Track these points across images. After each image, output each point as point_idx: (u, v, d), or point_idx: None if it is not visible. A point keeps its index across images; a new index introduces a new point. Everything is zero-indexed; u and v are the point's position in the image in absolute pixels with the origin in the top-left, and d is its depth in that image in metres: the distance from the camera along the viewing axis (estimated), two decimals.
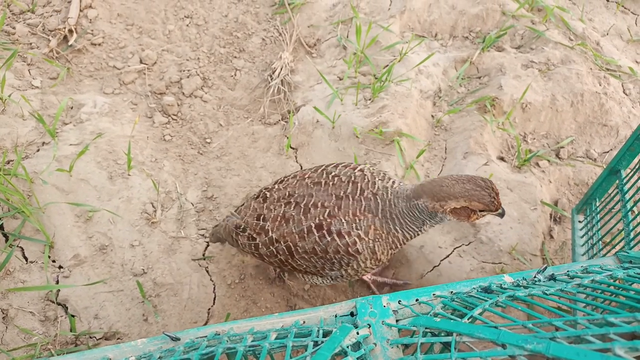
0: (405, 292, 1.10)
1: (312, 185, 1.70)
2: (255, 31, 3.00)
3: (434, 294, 1.10)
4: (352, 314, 1.06)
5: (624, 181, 1.87)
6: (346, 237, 1.59)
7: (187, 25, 3.02)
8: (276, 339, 0.94)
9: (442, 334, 0.92)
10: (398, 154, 2.31)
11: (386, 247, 1.64)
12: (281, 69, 2.76)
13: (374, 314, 1.03)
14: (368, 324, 1.01)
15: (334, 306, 1.07)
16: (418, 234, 1.67)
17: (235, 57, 2.90)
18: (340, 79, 2.70)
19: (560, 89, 2.55)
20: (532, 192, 2.28)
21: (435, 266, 2.09)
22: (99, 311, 1.93)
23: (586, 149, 2.49)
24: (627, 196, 1.83)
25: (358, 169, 1.72)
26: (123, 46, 2.86)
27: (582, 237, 2.07)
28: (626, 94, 2.63)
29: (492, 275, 1.12)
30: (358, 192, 1.63)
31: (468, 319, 0.95)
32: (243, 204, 1.92)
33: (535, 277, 1.12)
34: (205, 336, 0.97)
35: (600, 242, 1.94)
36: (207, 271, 2.11)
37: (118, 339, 1.89)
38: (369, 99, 2.57)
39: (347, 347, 0.90)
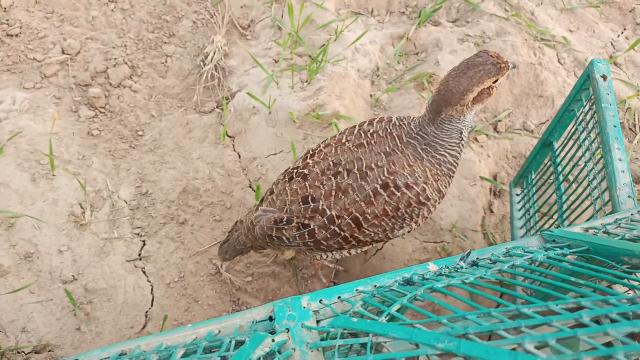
0: (328, 289, 1.06)
1: (355, 149, 1.61)
2: (186, 13, 2.85)
3: (356, 290, 1.06)
4: (270, 319, 1.01)
5: (557, 153, 1.89)
6: (414, 187, 1.54)
7: (112, 10, 2.84)
8: (183, 355, 0.88)
9: (360, 335, 0.89)
10: None
11: (446, 179, 1.61)
12: (214, 54, 2.64)
13: (292, 317, 0.99)
14: (287, 328, 0.97)
15: (251, 311, 1.02)
16: (462, 147, 1.62)
17: (165, 42, 2.75)
18: (276, 62, 2.61)
19: None
20: (471, 168, 2.29)
21: (378, 249, 2.07)
22: (26, 324, 1.82)
23: (523, 121, 2.51)
24: (559, 168, 1.84)
25: (386, 120, 1.66)
26: (43, 36, 2.67)
27: (519, 210, 2.09)
28: (561, 64, 2.66)
29: (420, 266, 1.09)
30: (398, 142, 1.58)
31: (385, 317, 0.92)
32: (271, 192, 1.73)
33: (458, 264, 1.10)
34: (108, 358, 0.91)
35: (536, 214, 1.97)
36: (144, 272, 2.02)
37: (49, 351, 1.79)
38: (306, 81, 2.49)
39: (259, 358, 0.86)
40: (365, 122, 1.70)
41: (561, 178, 1.82)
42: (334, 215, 1.57)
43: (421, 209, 1.59)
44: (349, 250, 1.73)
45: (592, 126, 1.66)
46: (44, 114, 2.37)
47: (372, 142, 1.61)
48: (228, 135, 2.44)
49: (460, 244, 2.09)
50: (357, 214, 1.55)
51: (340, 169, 1.59)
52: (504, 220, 2.24)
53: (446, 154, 1.58)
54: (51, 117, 2.36)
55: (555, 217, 1.86)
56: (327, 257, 1.77)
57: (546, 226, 1.86)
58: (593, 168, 1.59)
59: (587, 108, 1.69)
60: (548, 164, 1.95)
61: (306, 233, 1.62)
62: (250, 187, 2.28)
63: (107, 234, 2.05)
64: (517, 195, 2.17)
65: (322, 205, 1.58)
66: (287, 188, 1.66)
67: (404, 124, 1.62)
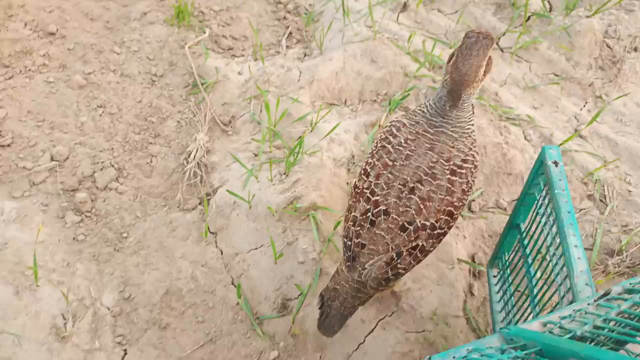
0: None
1: (406, 162, 1.73)
2: (171, 114, 3.01)
3: None
4: None
5: (524, 235, 1.94)
6: (469, 158, 1.74)
7: (100, 115, 3.00)
8: None
9: None
10: (313, 229, 2.32)
11: (475, 143, 1.82)
12: (196, 151, 2.76)
13: None
14: None
15: None
16: (472, 121, 1.82)
17: (151, 142, 2.88)
18: (256, 155, 2.72)
19: None
20: (448, 251, 2.33)
21: (360, 343, 2.07)
22: None
23: (496, 199, 2.58)
24: (528, 251, 1.89)
25: (401, 125, 1.82)
26: (34, 144, 2.80)
27: (497, 292, 2.11)
28: (527, 140, 2.77)
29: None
30: (430, 135, 1.76)
31: None
32: (359, 249, 1.74)
33: None
34: None
35: (512, 297, 1.99)
36: None
37: None
38: (284, 174, 2.59)
39: None
40: (388, 137, 1.82)
41: (530, 261, 1.86)
42: (433, 222, 1.69)
43: (475, 171, 1.79)
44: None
45: (550, 210, 1.72)
46: (31, 222, 2.45)
47: (413, 148, 1.75)
48: (210, 232, 2.50)
49: (442, 333, 2.09)
50: (449, 207, 1.70)
51: (412, 185, 1.70)
52: (486, 302, 2.25)
53: (469, 127, 1.79)
54: (38, 225, 2.44)
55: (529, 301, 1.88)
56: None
57: (521, 311, 1.88)
58: (554, 253, 1.64)
59: (544, 192, 1.76)
60: (518, 246, 2.00)
61: (417, 252, 1.71)
62: (233, 284, 2.32)
63: (88, 345, 2.06)
64: (494, 277, 2.20)
65: (420, 221, 1.68)
66: (377, 232, 1.71)
67: (420, 119, 1.81)
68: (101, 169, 2.74)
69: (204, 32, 3.25)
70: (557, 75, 3.07)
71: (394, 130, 1.82)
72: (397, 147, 1.76)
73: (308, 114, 2.76)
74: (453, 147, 1.74)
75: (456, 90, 1.72)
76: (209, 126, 2.92)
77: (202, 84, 3.01)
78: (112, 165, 2.77)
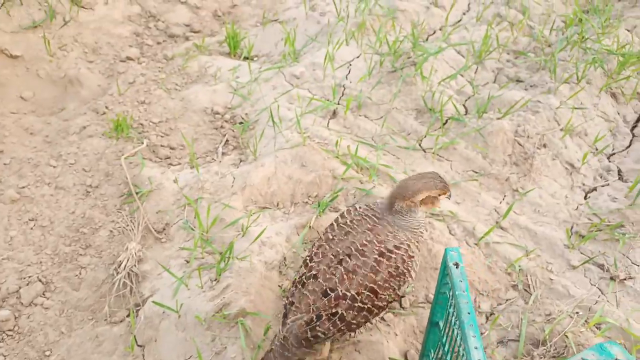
0: None
1: (344, 237, 2.02)
2: (104, 224, 3.01)
3: None
4: None
5: (442, 333, 1.97)
6: (402, 246, 2.00)
7: (32, 229, 2.97)
8: None
9: None
10: (241, 337, 2.29)
11: (417, 241, 2.12)
12: (127, 261, 2.74)
13: None
14: None
15: None
16: (422, 231, 2.18)
17: (81, 254, 2.85)
18: (188, 262, 2.72)
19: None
20: (380, 350, 2.32)
21: None
22: None
23: (425, 294, 2.63)
24: (446, 348, 1.92)
25: (354, 209, 2.18)
26: None
27: None
28: (452, 234, 2.90)
29: None
30: (375, 220, 2.07)
31: None
32: (290, 306, 2.01)
33: None
34: None
35: None
36: None
37: None
38: (215, 280, 2.59)
39: None
40: (338, 217, 2.18)
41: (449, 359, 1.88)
42: (354, 294, 1.89)
43: (412, 262, 2.03)
44: (371, 321, 2.06)
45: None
46: None
47: (355, 226, 2.05)
48: (138, 345, 2.42)
49: None
50: (372, 285, 1.91)
51: (341, 257, 1.96)
52: None
53: (415, 228, 2.10)
54: None
55: None
56: (355, 334, 2.12)
57: None
58: (463, 354, 1.67)
59: (451, 292, 1.83)
60: (439, 344, 2.02)
61: (337, 320, 1.90)
62: None
63: None
64: None
65: (341, 290, 1.90)
66: (304, 292, 1.96)
67: (372, 209, 2.14)
68: (27, 284, 2.67)
69: (142, 143, 3.37)
70: (475, 172, 3.29)
71: (345, 212, 2.17)
72: (341, 225, 2.11)
73: (240, 218, 2.83)
74: (391, 233, 2.03)
75: (392, 196, 2.12)
76: (143, 234, 2.93)
77: (137, 193, 3.06)
78: (40, 280, 2.70)
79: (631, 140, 3.68)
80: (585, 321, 2.48)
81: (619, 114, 3.89)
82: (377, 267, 1.94)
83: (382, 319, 2.48)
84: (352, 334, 2.10)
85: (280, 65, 4.14)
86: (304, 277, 2.01)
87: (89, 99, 3.78)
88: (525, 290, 2.67)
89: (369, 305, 1.92)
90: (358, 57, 4.13)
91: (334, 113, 3.73)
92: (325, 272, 1.95)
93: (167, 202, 3.05)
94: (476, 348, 1.50)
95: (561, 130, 3.49)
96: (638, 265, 2.75)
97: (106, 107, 3.65)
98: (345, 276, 1.91)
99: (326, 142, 3.42)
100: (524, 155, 3.35)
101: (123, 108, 3.67)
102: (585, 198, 3.21)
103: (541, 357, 2.35)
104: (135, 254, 2.78)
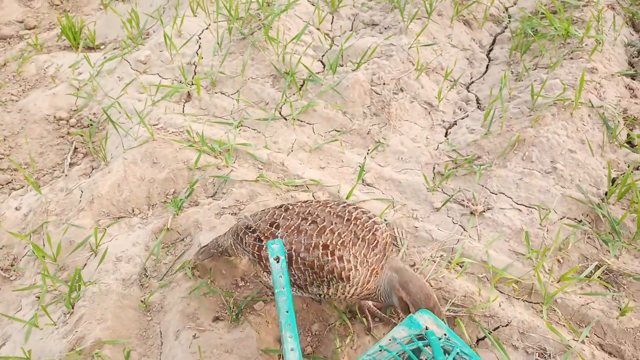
0: None
1: (334, 216, 1.92)
2: None
3: None
4: None
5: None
6: (345, 263, 1.84)
7: None
8: None
9: None
10: None
11: (368, 292, 1.93)
12: None
13: None
14: None
15: None
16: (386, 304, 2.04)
17: None
18: (39, 298, 2.47)
19: None
20: (251, 346, 2.23)
21: None
22: None
23: None
24: None
25: (376, 221, 1.97)
26: None
27: None
28: None
29: None
30: (374, 245, 1.90)
31: None
32: (262, 210, 2.14)
33: None
34: None
35: None
36: None
37: None
38: (68, 313, 2.37)
39: None
40: (353, 204, 2.05)
41: None
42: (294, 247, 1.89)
43: (339, 283, 1.87)
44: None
45: None
46: None
47: (352, 223, 1.93)
48: None
49: None
50: (294, 253, 1.87)
51: (309, 218, 1.93)
52: None
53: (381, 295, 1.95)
54: None
55: None
56: (266, 279, 2.08)
57: None
58: None
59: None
60: None
61: (257, 246, 1.98)
62: None
63: None
64: None
65: (279, 233, 1.93)
66: (272, 210, 2.06)
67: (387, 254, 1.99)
68: None
69: None
70: (338, 131, 3.18)
71: (370, 214, 2.04)
72: (351, 214, 2.00)
73: (89, 236, 2.58)
74: (366, 257, 1.90)
75: (400, 271, 1.92)
76: None
77: None
78: None
79: (487, 65, 3.68)
80: (448, 262, 2.49)
81: (474, 40, 3.87)
82: (310, 248, 1.87)
83: (253, 308, 2.38)
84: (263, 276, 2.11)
85: (123, 52, 3.75)
86: (289, 205, 2.05)
87: None
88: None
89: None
90: (207, 28, 3.82)
91: (189, 95, 3.46)
92: (293, 215, 1.98)
93: (10, 235, 2.72)
94: (292, 349, 1.41)
95: (416, 70, 3.42)
96: (496, 194, 2.78)
97: None
98: (292, 228, 1.92)
99: (181, 130, 3.17)
100: (382, 103, 3.26)
101: None
102: (445, 135, 3.20)
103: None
104: None
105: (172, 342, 2.23)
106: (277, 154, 3.02)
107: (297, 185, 2.84)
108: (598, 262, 2.46)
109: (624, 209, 2.64)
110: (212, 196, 2.82)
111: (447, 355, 1.26)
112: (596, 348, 2.19)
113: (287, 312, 1.49)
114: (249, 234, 2.03)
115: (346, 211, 1.97)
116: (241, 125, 3.22)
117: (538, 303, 2.34)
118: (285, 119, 3.25)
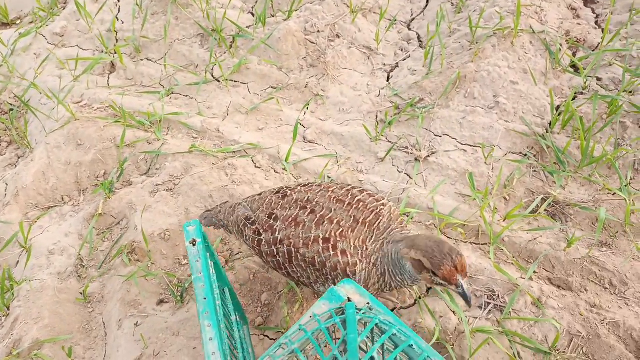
0: None
1: (334, 201, 1.74)
2: None
3: None
4: None
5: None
6: (349, 257, 1.65)
7: None
8: None
9: None
10: None
11: (376, 282, 1.69)
12: None
13: None
14: None
15: None
16: (403, 286, 1.71)
17: None
18: None
19: (191, 199, 2.47)
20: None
21: None
22: None
23: (240, 243, 2.44)
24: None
25: (381, 202, 1.76)
26: None
27: None
28: (258, 167, 2.65)
29: None
30: (376, 226, 1.69)
31: None
32: (260, 194, 1.94)
33: None
34: None
35: None
36: None
37: None
38: (3, 315, 2.24)
39: None
40: (358, 188, 1.82)
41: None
42: (279, 238, 1.74)
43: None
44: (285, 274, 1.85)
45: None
46: None
47: (354, 206, 1.72)
48: None
49: None
50: (293, 249, 1.71)
51: (308, 206, 1.75)
52: None
53: (387, 278, 1.68)
54: None
55: None
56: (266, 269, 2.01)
57: None
58: None
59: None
60: None
61: (257, 240, 1.82)
62: None
63: None
64: None
65: (277, 225, 1.76)
66: (270, 197, 1.86)
67: (392, 228, 1.72)
68: None
69: None
70: (274, 88, 2.99)
71: (377, 197, 1.82)
72: (354, 197, 1.80)
73: (15, 234, 2.41)
74: (365, 244, 1.70)
75: (407, 238, 1.68)
76: None
77: None
78: None
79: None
80: None
81: None
82: (309, 242, 1.69)
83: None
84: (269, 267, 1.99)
85: (37, 25, 3.43)
86: (288, 189, 1.86)
87: None
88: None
89: (279, 259, 1.76)
90: None
91: (113, 66, 3.20)
92: (290, 202, 1.80)
93: None
94: (211, 339, 1.32)
95: (352, 12, 3.20)
96: (440, 136, 2.67)
97: None
98: (290, 220, 1.74)
99: (107, 105, 2.94)
100: (318, 53, 3.06)
101: None
102: (388, 80, 3.03)
103: None
104: None
105: (115, 332, 2.13)
106: (212, 120, 2.83)
107: (234, 152, 2.68)
108: (544, 195, 2.41)
109: (570, 137, 2.56)
110: (145, 173, 2.65)
111: (365, 327, 1.17)
112: (545, 283, 2.17)
113: (205, 299, 1.39)
114: (249, 225, 1.86)
115: (349, 195, 1.77)
116: (172, 93, 3.00)
117: (486, 244, 2.29)
118: (218, 81, 3.04)
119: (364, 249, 1.68)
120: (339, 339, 1.12)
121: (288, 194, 1.83)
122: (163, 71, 3.10)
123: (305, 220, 1.72)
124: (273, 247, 1.76)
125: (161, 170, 2.59)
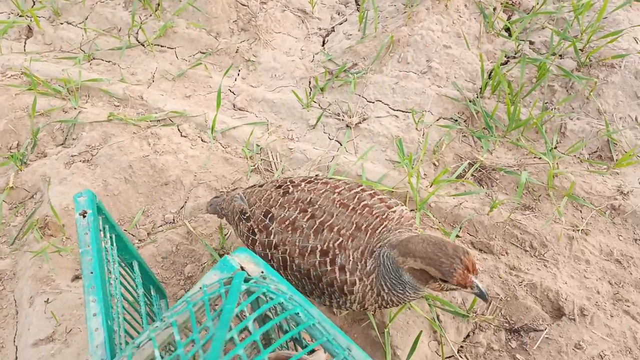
0: None
1: (338, 205, 1.59)
2: None
3: None
4: None
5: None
6: (347, 275, 1.51)
7: None
8: None
9: None
10: None
11: (374, 302, 1.56)
12: None
13: None
14: None
15: None
16: (404, 301, 1.55)
17: None
18: None
19: (109, 171, 2.34)
20: None
21: None
22: None
23: (163, 214, 2.34)
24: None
25: (392, 209, 1.60)
26: None
27: None
28: (184, 136, 2.54)
29: None
30: (378, 233, 1.53)
31: None
32: (262, 185, 1.79)
33: None
34: None
35: None
36: None
37: None
38: None
39: None
40: (368, 191, 1.65)
41: None
42: (274, 242, 1.61)
43: (341, 296, 1.55)
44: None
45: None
46: None
47: (358, 212, 1.57)
48: None
49: None
50: (288, 257, 1.58)
51: (309, 209, 1.59)
52: None
53: (387, 293, 1.52)
54: None
55: None
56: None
57: None
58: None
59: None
60: None
61: (251, 239, 1.68)
62: None
63: None
64: None
65: (273, 227, 1.62)
66: (270, 192, 1.71)
67: (398, 233, 1.55)
68: None
69: None
70: (203, 53, 2.85)
71: (388, 203, 1.66)
72: (361, 201, 1.66)
73: None
74: (364, 256, 1.54)
75: (401, 241, 1.50)
76: None
77: None
78: None
79: None
80: None
81: None
82: (306, 253, 1.55)
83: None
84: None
85: None
86: (291, 184, 1.71)
87: None
88: (267, 169, 2.46)
89: (273, 265, 1.60)
90: None
91: (30, 30, 2.97)
92: (291, 201, 1.65)
93: None
94: (95, 315, 1.23)
95: None
96: (373, 102, 2.61)
97: None
98: (286, 223, 1.61)
99: (21, 72, 2.73)
100: (249, 16, 2.92)
101: None
102: (323, 45, 2.93)
103: None
104: None
105: (26, 309, 2.02)
106: (135, 87, 2.68)
107: (158, 120, 2.55)
108: (471, 160, 2.39)
109: (499, 101, 2.54)
110: (61, 144, 2.49)
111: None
112: (468, 247, 2.17)
113: (92, 273, 1.30)
114: (243, 221, 1.72)
115: (355, 198, 1.61)
116: (93, 59, 2.82)
117: (413, 210, 2.27)
118: (143, 46, 2.87)
119: (363, 264, 1.52)
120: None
121: (290, 190, 1.68)
122: (84, 35, 2.90)
123: (304, 225, 1.58)
124: (267, 250, 1.63)
125: (78, 141, 2.44)
